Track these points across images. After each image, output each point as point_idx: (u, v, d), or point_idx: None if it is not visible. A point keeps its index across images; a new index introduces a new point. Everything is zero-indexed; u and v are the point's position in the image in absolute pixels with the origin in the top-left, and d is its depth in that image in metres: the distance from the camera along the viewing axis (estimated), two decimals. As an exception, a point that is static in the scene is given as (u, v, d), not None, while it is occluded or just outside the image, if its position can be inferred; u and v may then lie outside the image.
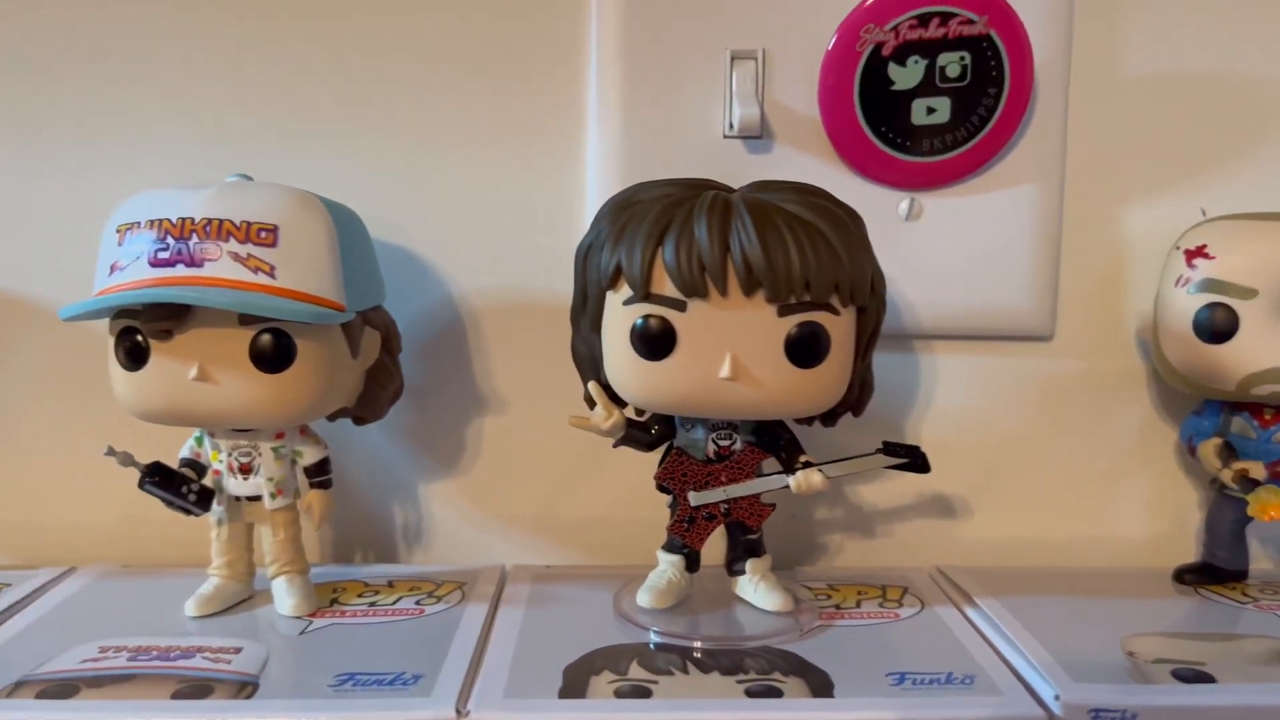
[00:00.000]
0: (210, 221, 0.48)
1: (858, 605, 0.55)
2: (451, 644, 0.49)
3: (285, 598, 0.53)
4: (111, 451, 0.49)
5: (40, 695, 0.44)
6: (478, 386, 0.63)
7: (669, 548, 0.54)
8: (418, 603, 0.55)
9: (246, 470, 0.53)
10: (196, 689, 0.44)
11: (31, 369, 0.63)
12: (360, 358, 0.53)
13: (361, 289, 0.52)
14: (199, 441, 0.54)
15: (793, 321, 0.46)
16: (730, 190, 0.49)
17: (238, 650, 0.49)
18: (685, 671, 0.47)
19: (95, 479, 0.63)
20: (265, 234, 0.48)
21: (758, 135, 0.59)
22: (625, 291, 0.47)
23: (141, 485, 0.50)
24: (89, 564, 0.61)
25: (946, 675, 0.47)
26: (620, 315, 0.48)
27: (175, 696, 0.44)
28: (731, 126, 0.59)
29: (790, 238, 0.45)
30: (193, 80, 0.60)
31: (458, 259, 0.62)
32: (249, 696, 0.44)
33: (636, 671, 0.47)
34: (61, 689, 0.44)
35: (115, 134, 0.61)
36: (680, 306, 0.46)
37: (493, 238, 0.62)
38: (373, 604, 0.55)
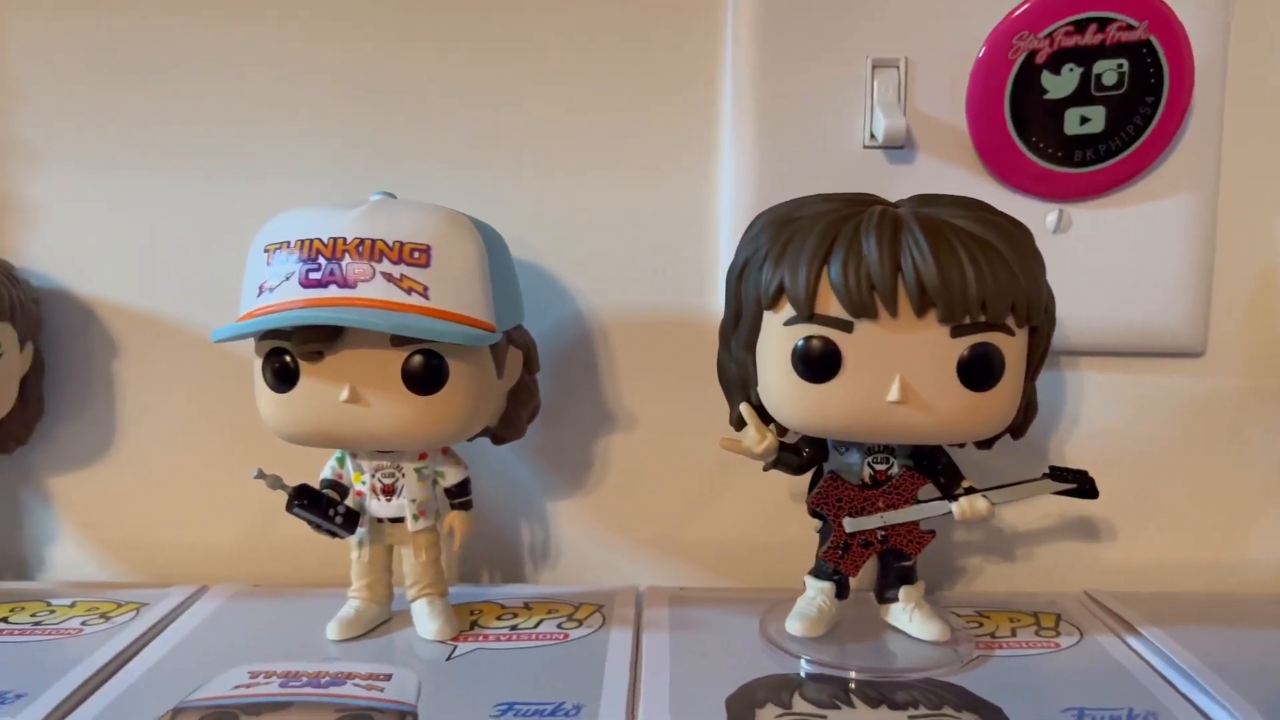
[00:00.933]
0: (363, 241, 0.47)
1: (1013, 634, 0.53)
2: (604, 672, 0.48)
3: (427, 621, 0.52)
4: (261, 474, 0.49)
5: (200, 723, 0.43)
6: (606, 404, 0.62)
7: (819, 574, 0.52)
8: (559, 626, 0.54)
9: (389, 491, 0.52)
10: (357, 718, 0.44)
11: (161, 388, 0.62)
12: (504, 378, 0.52)
13: (507, 308, 0.51)
14: (340, 462, 0.53)
15: (966, 343, 0.44)
16: (894, 205, 0.47)
17: (388, 677, 0.48)
18: (850, 705, 0.45)
19: (221, 498, 0.63)
20: (418, 254, 0.47)
21: (901, 145, 0.57)
22: (787, 311, 0.46)
23: (290, 508, 0.50)
24: (215, 583, 0.60)
25: (1128, 712, 0.45)
26: (781, 336, 0.46)
27: (336, 726, 0.43)
28: (872, 136, 0.57)
29: (965, 255, 0.43)
30: (328, 99, 0.60)
31: (587, 275, 0.61)
32: (409, 727, 0.43)
33: (801, 704, 0.45)
34: (220, 717, 0.44)
35: (248, 152, 0.60)
36: (847, 327, 0.45)
37: (623, 254, 0.61)
38: (514, 627, 0.54)
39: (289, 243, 0.48)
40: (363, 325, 0.45)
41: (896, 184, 0.58)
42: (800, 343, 0.45)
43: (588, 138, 0.60)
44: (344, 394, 0.48)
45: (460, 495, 0.54)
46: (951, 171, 0.58)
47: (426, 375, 0.48)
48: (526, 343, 0.54)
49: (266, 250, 0.49)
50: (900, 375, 0.45)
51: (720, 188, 0.60)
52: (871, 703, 0.45)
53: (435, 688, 0.47)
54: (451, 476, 0.53)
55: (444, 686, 0.47)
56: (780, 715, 0.44)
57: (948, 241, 0.44)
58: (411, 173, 0.60)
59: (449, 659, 0.50)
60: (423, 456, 0.52)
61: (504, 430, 0.55)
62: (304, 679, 0.48)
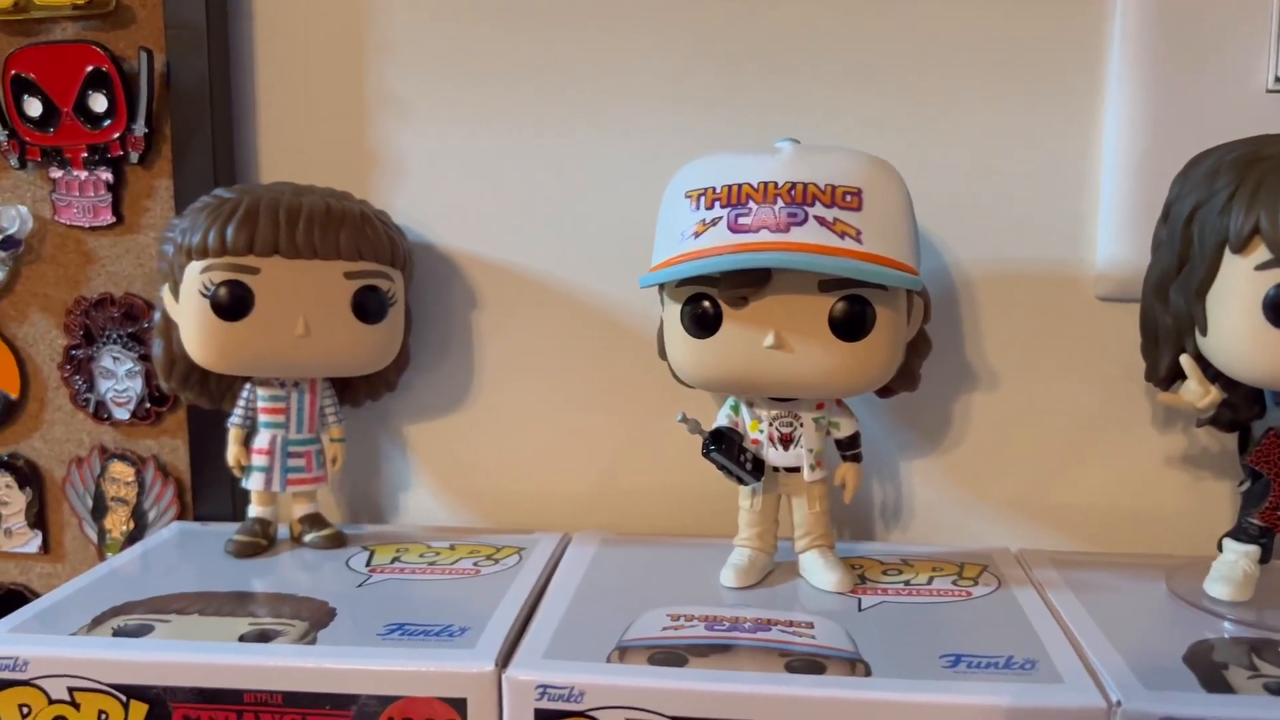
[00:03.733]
0: (795, 185, 0.47)
1: None
2: (1035, 629, 0.47)
3: (824, 572, 0.52)
4: (684, 418, 0.49)
5: (652, 661, 0.44)
6: (968, 361, 0.60)
7: (1242, 536, 0.50)
8: (954, 583, 0.53)
9: (787, 441, 0.52)
10: (808, 664, 0.43)
11: (518, 340, 0.63)
12: (910, 326, 0.51)
13: (919, 254, 0.50)
14: (735, 410, 0.53)
15: None
16: (1372, 144, 0.44)
17: (810, 625, 0.47)
18: (1323, 670, 0.43)
19: (571, 449, 0.64)
20: (850, 197, 0.47)
21: (1314, 88, 0.54)
22: (1259, 255, 0.43)
23: (706, 453, 0.50)
24: (560, 530, 0.61)
25: None
26: (1249, 281, 0.44)
27: (789, 670, 0.43)
28: (1278, 79, 0.54)
29: None
30: (689, 55, 0.60)
31: (955, 227, 0.59)
32: (866, 674, 0.42)
33: (1267, 668, 0.43)
34: (669, 657, 0.44)
35: (610, 109, 0.61)
36: (1332, 271, 0.42)
37: (994, 205, 0.59)
38: (907, 582, 0.53)
39: (714, 188, 0.48)
40: (813, 268, 0.45)
41: (1303, 129, 0.54)
42: (1273, 290, 0.43)
43: (959, 81, 0.58)
44: (769, 340, 0.47)
45: (852, 447, 0.53)
46: (1366, 115, 0.54)
47: (855, 321, 0.47)
48: (925, 291, 0.53)
49: (688, 196, 0.49)
50: (1390, 322, 0.42)
51: (1103, 134, 0.57)
52: (1344, 669, 0.43)
53: (863, 637, 0.46)
54: (845, 428, 0.53)
55: (871, 636, 0.46)
56: (1252, 677, 0.42)
57: None
58: (778, 121, 0.59)
59: (860, 610, 0.49)
60: (820, 406, 0.52)
61: (899, 381, 0.54)
62: (727, 623, 0.48)
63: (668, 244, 0.49)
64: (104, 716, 0.45)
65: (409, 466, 0.65)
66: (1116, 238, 0.57)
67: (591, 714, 0.42)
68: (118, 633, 0.47)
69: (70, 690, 0.45)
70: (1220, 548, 0.51)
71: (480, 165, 0.62)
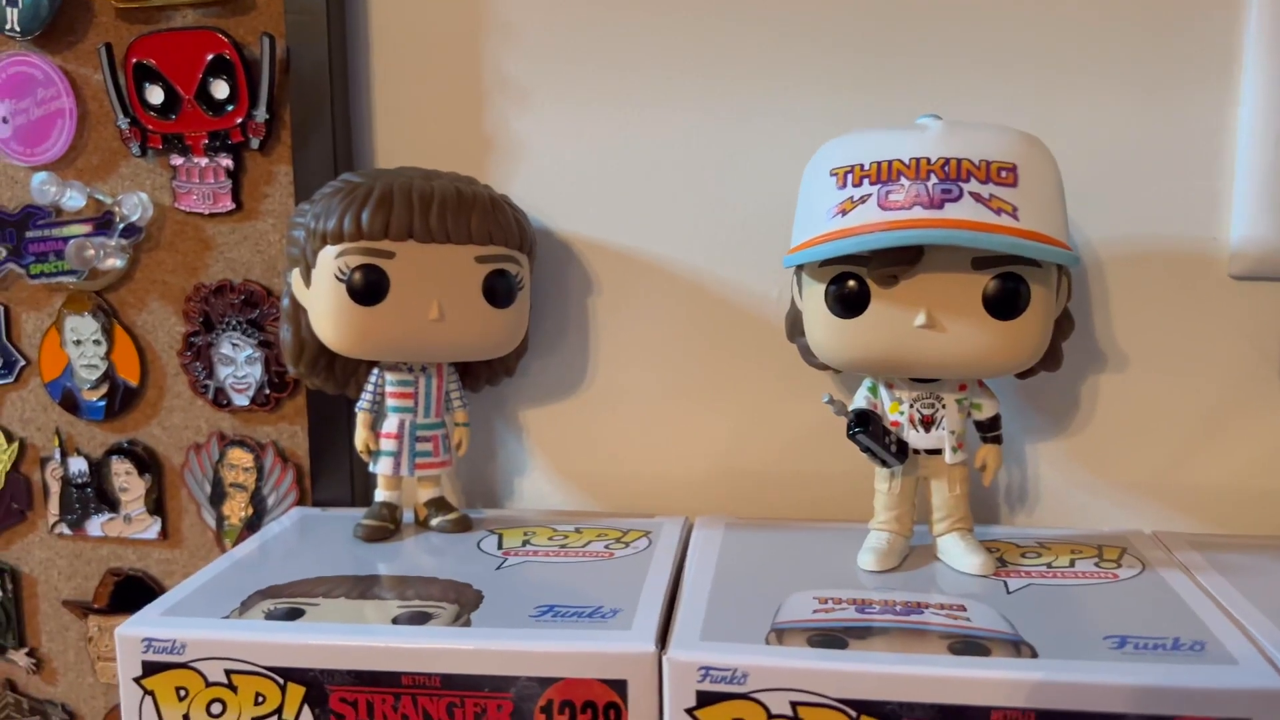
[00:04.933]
0: (948, 161, 0.46)
1: None
2: (1194, 612, 0.46)
3: (966, 555, 0.51)
4: (830, 400, 0.48)
5: (811, 643, 0.43)
6: (1098, 341, 0.60)
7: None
8: (1096, 565, 0.52)
9: (928, 422, 0.51)
10: (970, 646, 0.43)
11: (634, 325, 0.63)
12: (1058, 304, 0.51)
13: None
14: (873, 391, 0.52)
15: None
16: None
17: (962, 607, 0.47)
18: None
19: (687, 433, 0.63)
20: (1005, 173, 0.46)
21: None
22: None
23: (851, 434, 0.49)
24: (677, 514, 0.61)
25: None
26: None
27: (952, 652, 0.42)
28: None
29: None
30: (799, 41, 0.59)
31: (1084, 204, 0.58)
32: (1031, 656, 0.42)
33: None
34: (828, 639, 0.44)
35: (728, 93, 0.60)
36: None
37: (1125, 182, 0.58)
38: (1049, 565, 0.52)
39: (862, 165, 0.47)
40: (976, 245, 0.44)
41: None
42: None
43: (1088, 53, 0.57)
44: (920, 319, 0.47)
45: (993, 429, 0.52)
46: None
47: (1010, 299, 0.47)
48: (1068, 270, 0.52)
49: (833, 174, 0.48)
50: None
51: (1239, 108, 0.56)
52: None
53: (1019, 620, 0.45)
54: (987, 409, 0.52)
55: (1027, 618, 0.45)
56: None
57: None
58: (903, 99, 0.58)
59: (1011, 593, 0.49)
60: (962, 387, 0.51)
61: (1043, 361, 0.53)
62: (878, 606, 0.47)
63: (811, 223, 0.48)
64: (261, 699, 0.45)
65: (525, 451, 0.65)
66: (1252, 215, 0.56)
67: (754, 696, 0.42)
68: (269, 616, 0.47)
69: (227, 673, 0.45)
70: (1375, 529, 0.50)
71: (596, 149, 0.62)
